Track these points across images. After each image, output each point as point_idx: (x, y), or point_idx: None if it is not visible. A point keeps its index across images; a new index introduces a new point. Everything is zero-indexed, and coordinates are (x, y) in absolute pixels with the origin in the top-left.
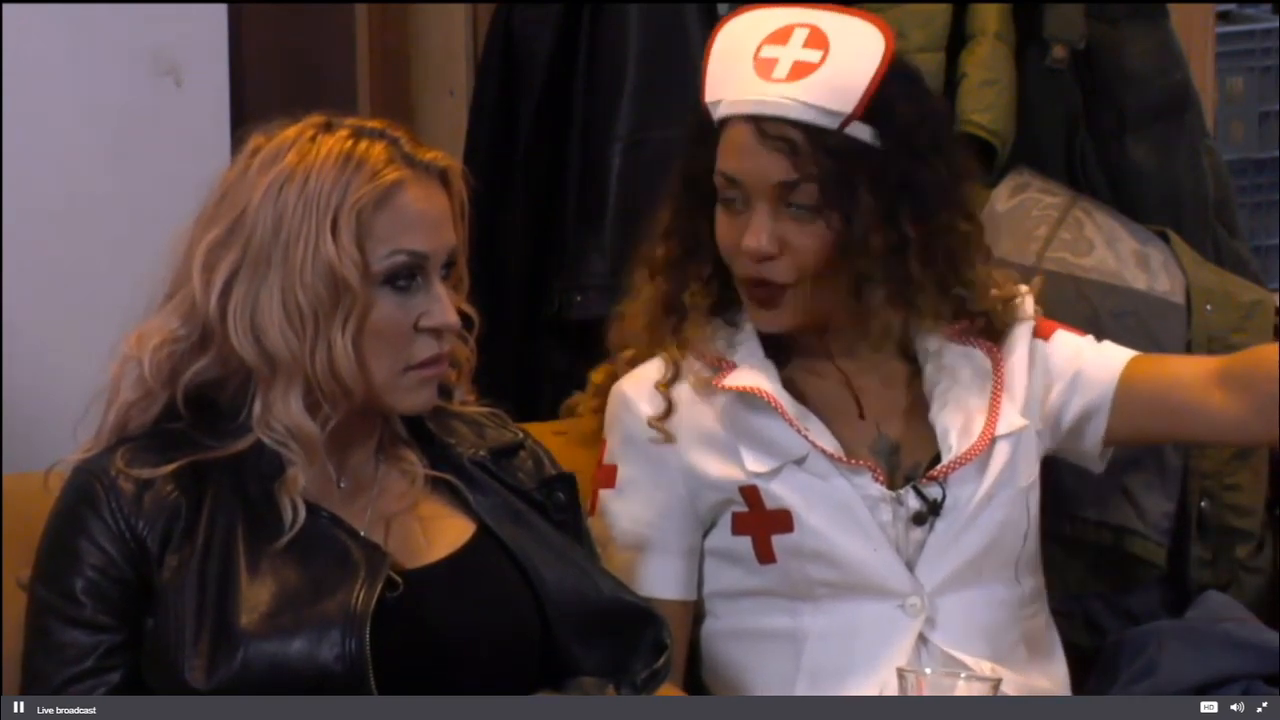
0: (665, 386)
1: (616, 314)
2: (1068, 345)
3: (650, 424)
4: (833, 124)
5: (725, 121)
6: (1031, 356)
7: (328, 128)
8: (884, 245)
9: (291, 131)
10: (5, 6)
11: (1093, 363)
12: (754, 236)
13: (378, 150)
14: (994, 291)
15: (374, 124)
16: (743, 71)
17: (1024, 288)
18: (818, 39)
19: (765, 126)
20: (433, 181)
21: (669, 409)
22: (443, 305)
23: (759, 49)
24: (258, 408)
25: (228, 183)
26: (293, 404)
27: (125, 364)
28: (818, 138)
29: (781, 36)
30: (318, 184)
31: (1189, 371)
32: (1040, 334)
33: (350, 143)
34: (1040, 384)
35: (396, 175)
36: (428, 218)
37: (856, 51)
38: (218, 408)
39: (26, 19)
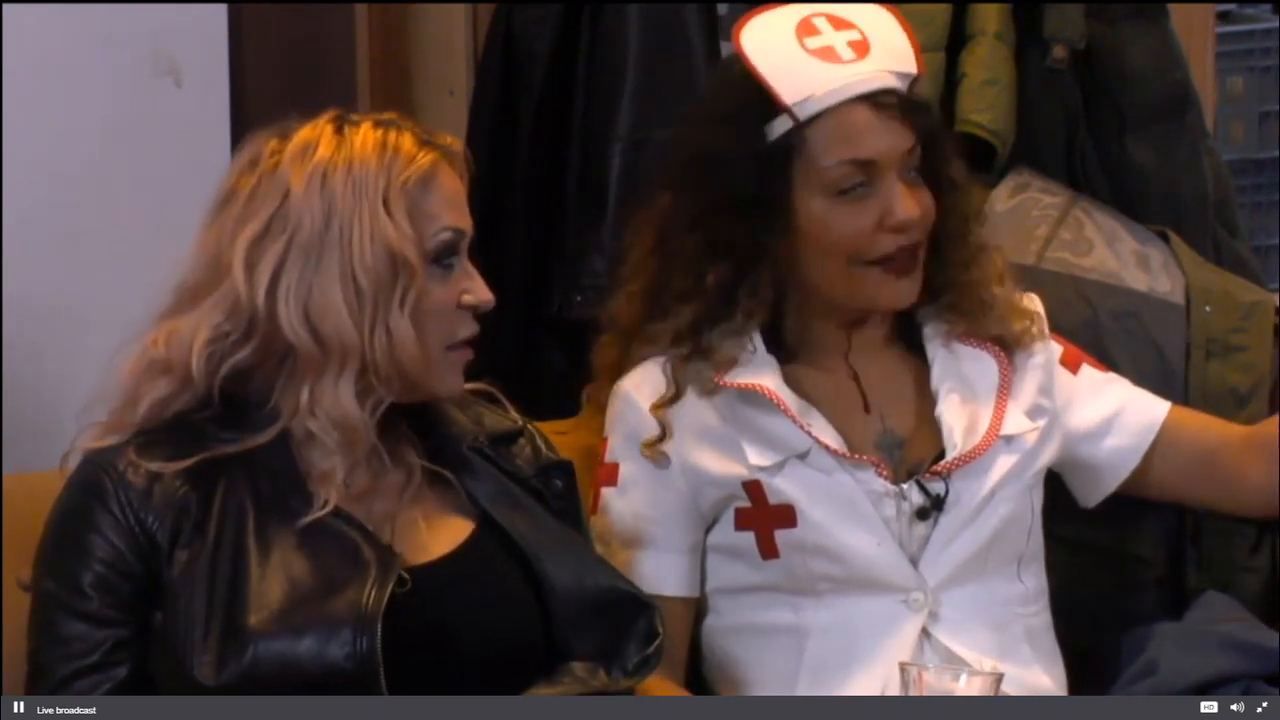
0: (668, 399)
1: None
2: (1101, 385)
3: (651, 412)
4: (908, 86)
5: (821, 115)
6: (1051, 378)
7: (346, 120)
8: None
9: (309, 130)
10: (5, 6)
11: (1130, 411)
12: (910, 205)
13: (406, 137)
14: (997, 289)
15: (386, 116)
16: (813, 66)
17: (1034, 304)
18: (839, 21)
19: (879, 99)
20: (452, 163)
21: (673, 398)
22: (480, 283)
23: (801, 44)
24: (304, 396)
25: (251, 184)
26: (343, 390)
27: (150, 363)
28: (907, 100)
29: (809, 28)
30: (362, 170)
31: (1228, 436)
32: (1067, 363)
33: (380, 131)
34: (1057, 407)
35: (432, 157)
36: (459, 197)
37: (878, 19)
38: (240, 398)
39: (26, 19)
